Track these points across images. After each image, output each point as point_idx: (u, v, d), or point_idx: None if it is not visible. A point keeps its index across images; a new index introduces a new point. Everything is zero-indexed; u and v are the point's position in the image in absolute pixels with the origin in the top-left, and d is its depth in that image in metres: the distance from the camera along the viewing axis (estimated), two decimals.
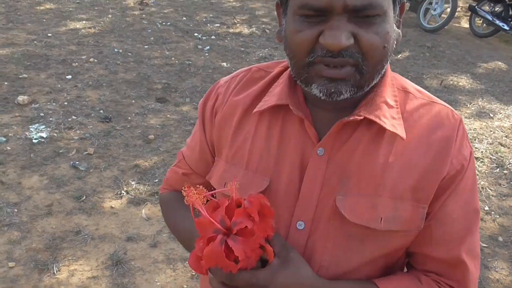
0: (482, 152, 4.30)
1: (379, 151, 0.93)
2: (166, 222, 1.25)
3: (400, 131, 0.92)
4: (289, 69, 0.97)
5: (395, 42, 0.90)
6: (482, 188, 3.78)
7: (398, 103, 0.96)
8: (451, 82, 5.83)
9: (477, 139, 4.50)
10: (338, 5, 0.80)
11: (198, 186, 0.85)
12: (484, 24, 7.84)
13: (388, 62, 0.91)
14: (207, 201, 0.86)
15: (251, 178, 0.99)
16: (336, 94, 0.86)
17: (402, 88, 0.99)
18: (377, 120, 0.91)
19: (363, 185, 0.92)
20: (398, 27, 0.93)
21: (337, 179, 0.94)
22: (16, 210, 3.05)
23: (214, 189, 1.06)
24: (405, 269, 1.08)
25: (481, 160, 4.17)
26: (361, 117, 0.91)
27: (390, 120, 0.92)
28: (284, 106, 0.97)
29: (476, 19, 7.97)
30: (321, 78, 0.86)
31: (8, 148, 3.69)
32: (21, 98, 4.32)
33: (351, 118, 0.91)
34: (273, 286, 0.87)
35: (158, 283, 2.65)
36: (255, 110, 1.00)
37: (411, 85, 1.01)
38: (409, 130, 0.93)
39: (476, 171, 3.90)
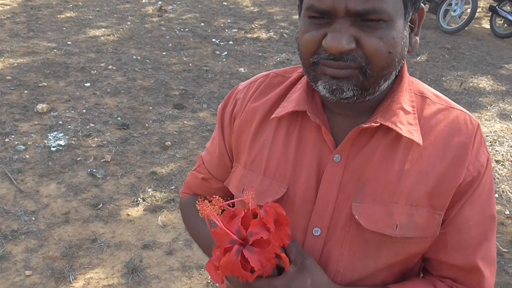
0: (502, 155, 4.22)
1: (396, 158, 0.93)
2: (185, 226, 1.27)
3: (417, 137, 0.91)
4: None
5: (406, 49, 0.89)
6: (503, 192, 3.72)
7: (415, 108, 0.95)
8: (471, 84, 5.74)
9: (497, 142, 4.42)
10: (340, 9, 0.80)
11: (214, 196, 0.86)
12: (505, 25, 7.73)
13: (398, 68, 0.90)
14: (223, 210, 0.87)
15: (268, 184, 1.00)
16: (338, 91, 0.86)
17: (419, 93, 0.98)
18: (393, 126, 0.91)
19: (379, 192, 0.93)
20: (416, 34, 0.92)
21: (353, 186, 0.94)
22: (33, 218, 3.09)
23: (232, 194, 1.09)
24: (421, 274, 1.09)
25: (502, 163, 4.10)
26: (378, 124, 0.91)
27: (406, 126, 0.92)
28: (301, 112, 0.98)
29: (497, 19, 7.85)
30: (325, 76, 0.87)
31: (27, 156, 3.74)
32: (40, 106, 4.39)
33: (367, 125, 0.91)
34: None
35: None
36: (273, 116, 1.01)
37: (428, 90, 1.01)
38: (426, 136, 0.93)
39: (497, 175, 3.87)
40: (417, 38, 0.93)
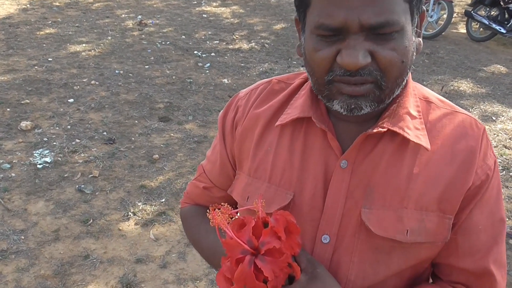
0: None
1: (403, 163, 0.92)
2: (187, 237, 1.25)
3: (424, 142, 0.91)
4: (309, 81, 0.96)
5: (415, 52, 0.90)
6: None
7: (421, 113, 0.95)
8: (452, 88, 5.83)
9: None
10: (353, 25, 0.80)
11: (223, 204, 0.84)
12: (481, 29, 7.87)
13: (409, 73, 0.90)
14: (232, 218, 0.86)
15: (274, 192, 0.99)
16: (356, 109, 0.87)
17: (423, 98, 0.98)
18: (400, 131, 0.90)
19: (388, 197, 0.92)
20: (418, 36, 0.92)
21: (361, 192, 0.93)
22: (23, 237, 3.04)
23: (236, 202, 1.06)
24: (430, 280, 1.08)
25: None
26: (385, 129, 0.90)
27: (413, 131, 0.92)
28: (306, 118, 0.98)
29: (473, 23, 7.99)
30: (342, 95, 0.86)
31: (13, 174, 3.69)
32: (24, 124, 4.33)
33: (374, 131, 0.90)
34: None
35: None
36: (277, 123, 0.99)
37: (432, 95, 1.01)
38: (433, 140, 0.93)
39: None
40: (420, 39, 0.93)
